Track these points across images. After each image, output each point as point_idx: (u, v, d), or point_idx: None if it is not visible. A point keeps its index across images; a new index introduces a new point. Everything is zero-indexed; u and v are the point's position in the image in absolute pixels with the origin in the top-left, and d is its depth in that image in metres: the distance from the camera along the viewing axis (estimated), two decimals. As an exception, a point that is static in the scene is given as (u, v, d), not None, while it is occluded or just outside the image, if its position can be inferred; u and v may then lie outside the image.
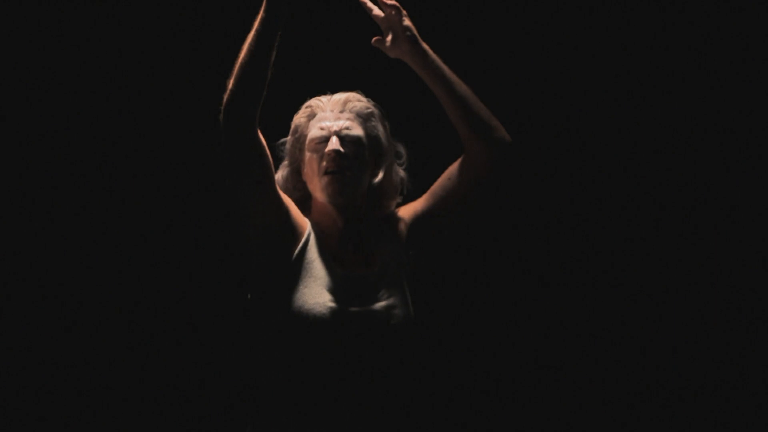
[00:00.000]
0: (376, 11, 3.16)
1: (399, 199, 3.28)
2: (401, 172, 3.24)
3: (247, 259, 3.07)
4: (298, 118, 3.20)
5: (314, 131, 3.14)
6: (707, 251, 4.78)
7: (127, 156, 4.69)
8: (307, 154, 3.13)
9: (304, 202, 3.21)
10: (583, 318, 4.78)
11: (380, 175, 3.16)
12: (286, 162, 3.21)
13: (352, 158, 3.09)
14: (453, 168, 3.17)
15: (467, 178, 3.14)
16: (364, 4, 3.16)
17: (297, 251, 3.05)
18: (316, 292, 2.99)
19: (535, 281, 4.77)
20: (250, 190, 2.97)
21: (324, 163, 3.09)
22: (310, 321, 2.96)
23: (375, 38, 3.18)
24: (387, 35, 3.15)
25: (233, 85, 2.91)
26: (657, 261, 4.78)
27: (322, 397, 2.97)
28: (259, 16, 2.92)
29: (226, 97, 2.93)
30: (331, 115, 3.15)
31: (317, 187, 3.11)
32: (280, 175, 3.21)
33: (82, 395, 4.70)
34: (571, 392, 4.77)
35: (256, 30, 2.91)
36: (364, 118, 3.17)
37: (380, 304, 3.02)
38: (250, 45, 2.91)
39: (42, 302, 4.67)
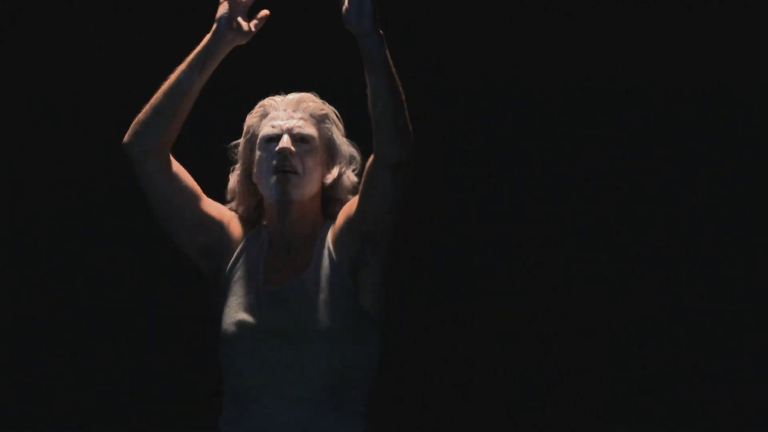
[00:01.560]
0: None
1: None
2: (353, 177, 3.14)
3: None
4: (251, 118, 3.12)
5: (266, 129, 3.06)
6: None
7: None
8: (258, 153, 3.07)
9: (258, 208, 3.14)
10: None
11: (332, 177, 3.08)
12: (237, 165, 3.14)
13: (303, 157, 3.03)
14: (366, 170, 3.00)
15: (374, 179, 2.95)
16: None
17: (228, 268, 3.04)
18: (233, 311, 2.98)
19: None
20: (167, 212, 3.03)
21: (274, 162, 3.02)
22: (228, 339, 2.97)
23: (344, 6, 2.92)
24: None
25: (145, 109, 2.99)
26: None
27: (258, 410, 2.96)
28: (189, 58, 2.99)
29: (136, 117, 3.00)
30: (284, 114, 3.07)
31: (266, 187, 3.04)
32: (233, 180, 3.14)
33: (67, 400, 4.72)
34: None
35: (182, 69, 3.00)
36: (317, 119, 3.10)
37: (300, 315, 2.95)
38: (174, 78, 2.99)
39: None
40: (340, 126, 3.14)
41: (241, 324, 2.96)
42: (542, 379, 4.81)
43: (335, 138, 3.11)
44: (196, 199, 3.04)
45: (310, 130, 3.07)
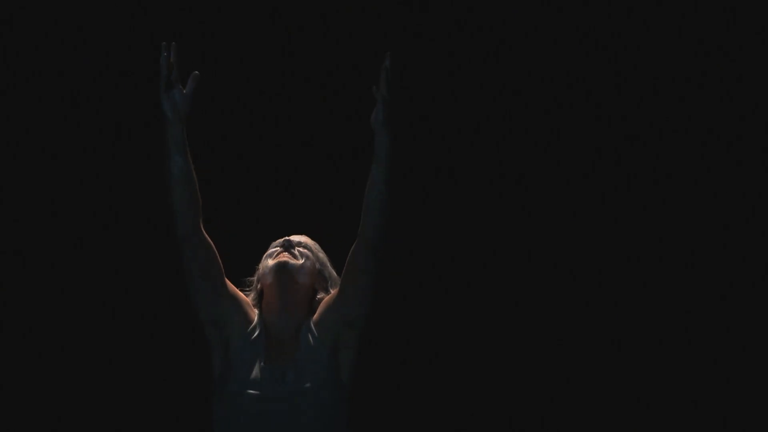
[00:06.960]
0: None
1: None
2: (335, 277, 3.57)
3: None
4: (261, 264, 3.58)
5: (270, 249, 3.58)
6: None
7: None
8: (262, 265, 3.54)
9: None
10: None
11: (325, 294, 3.53)
12: (251, 296, 3.59)
13: (301, 251, 3.54)
14: (349, 255, 3.46)
15: (357, 259, 3.43)
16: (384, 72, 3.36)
17: (241, 340, 3.48)
18: (240, 382, 3.44)
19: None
20: (202, 284, 3.44)
21: (275, 251, 3.54)
22: (234, 403, 3.42)
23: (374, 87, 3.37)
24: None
25: (176, 204, 3.37)
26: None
27: None
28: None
29: (175, 211, 3.38)
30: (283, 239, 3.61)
31: (267, 279, 3.51)
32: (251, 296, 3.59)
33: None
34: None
35: (174, 162, 3.33)
36: (311, 244, 3.61)
37: (292, 390, 3.42)
38: (175, 172, 3.33)
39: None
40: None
41: (247, 394, 3.42)
42: (540, 379, 4.85)
43: (328, 265, 3.60)
44: (223, 276, 3.47)
45: (308, 242, 3.60)
